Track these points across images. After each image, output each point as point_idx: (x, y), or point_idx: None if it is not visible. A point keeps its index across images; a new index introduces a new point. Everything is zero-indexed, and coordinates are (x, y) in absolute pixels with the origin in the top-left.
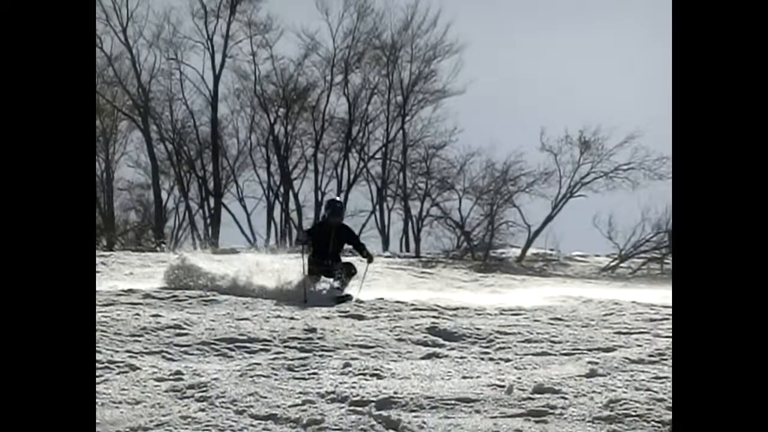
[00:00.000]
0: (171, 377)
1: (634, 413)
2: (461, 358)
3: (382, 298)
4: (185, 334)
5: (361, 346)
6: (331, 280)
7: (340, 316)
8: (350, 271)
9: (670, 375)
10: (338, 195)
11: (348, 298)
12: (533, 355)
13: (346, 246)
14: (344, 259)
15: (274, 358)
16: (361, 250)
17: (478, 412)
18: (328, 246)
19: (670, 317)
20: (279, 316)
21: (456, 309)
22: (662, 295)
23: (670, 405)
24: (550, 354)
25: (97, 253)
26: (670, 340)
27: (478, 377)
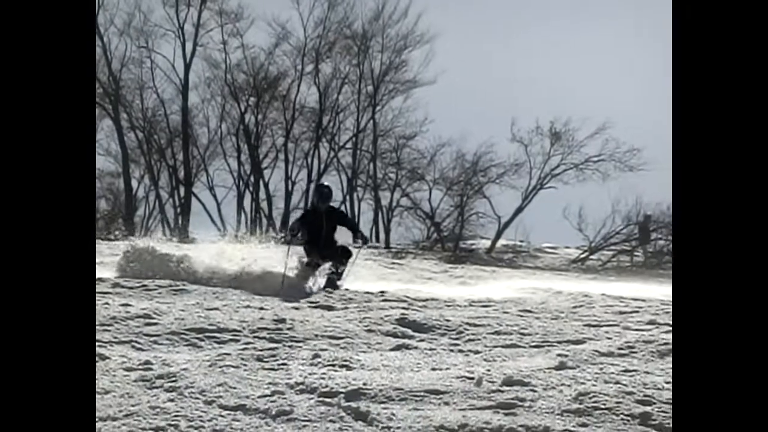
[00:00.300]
0: (140, 367)
1: (603, 406)
2: (430, 349)
3: (347, 289)
4: (155, 324)
5: (330, 337)
6: (329, 265)
7: (309, 307)
8: (346, 254)
9: (640, 368)
10: (324, 181)
11: (333, 285)
12: (503, 347)
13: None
14: (339, 242)
15: (243, 349)
16: (354, 231)
17: (447, 404)
18: (321, 231)
19: (640, 310)
20: (248, 306)
21: (425, 300)
22: (632, 287)
23: (640, 398)
24: (520, 346)
25: None
26: (640, 332)
27: (447, 369)
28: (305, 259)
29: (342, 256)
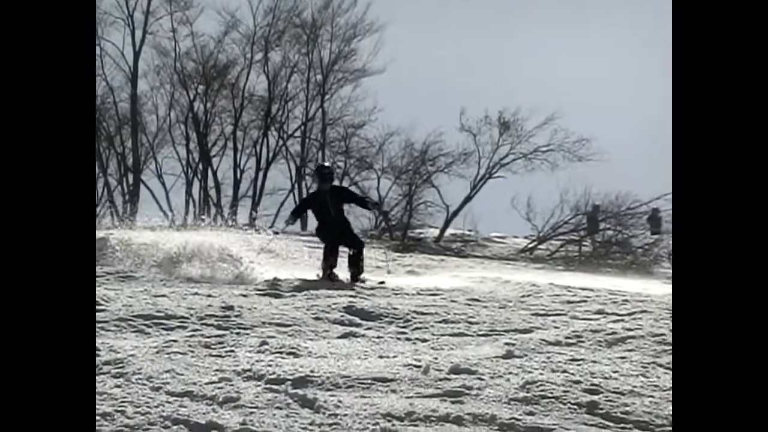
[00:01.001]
0: None
1: (550, 395)
2: (378, 337)
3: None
4: (102, 310)
5: (278, 325)
6: (348, 250)
7: (257, 294)
8: (359, 247)
9: (587, 357)
10: (325, 162)
11: (357, 277)
12: (450, 335)
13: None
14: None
15: (191, 335)
16: (365, 204)
17: (394, 391)
18: (330, 213)
19: (588, 299)
20: (196, 294)
21: (373, 288)
22: (580, 277)
23: (587, 387)
24: (467, 335)
25: None
26: (588, 322)
27: (394, 357)
28: (322, 271)
29: (356, 247)
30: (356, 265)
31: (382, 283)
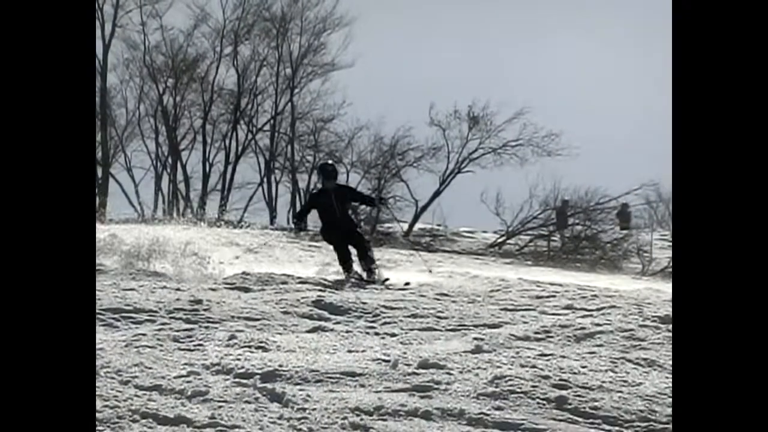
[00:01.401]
0: None
1: (519, 390)
2: (347, 332)
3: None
4: None
5: (246, 319)
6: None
7: (226, 288)
8: (366, 244)
9: (556, 352)
10: (328, 161)
11: (372, 276)
12: (419, 330)
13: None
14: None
15: (159, 329)
16: (371, 202)
17: (362, 386)
18: (335, 212)
19: (557, 294)
20: (165, 287)
21: (342, 282)
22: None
23: (555, 382)
24: (436, 329)
25: None
26: (557, 317)
27: (363, 351)
28: (342, 270)
29: (363, 247)
30: (368, 263)
31: (408, 284)
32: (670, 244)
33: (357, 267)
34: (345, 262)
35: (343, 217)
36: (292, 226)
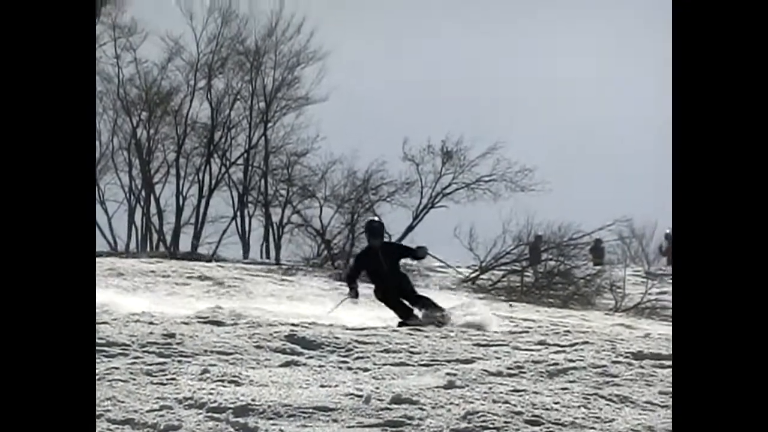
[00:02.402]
0: None
1: (491, 425)
2: (320, 366)
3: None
4: None
5: (219, 353)
6: (409, 304)
7: (199, 322)
8: (424, 299)
9: (528, 388)
10: (375, 216)
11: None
12: (391, 365)
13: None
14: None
15: (132, 363)
16: (414, 254)
17: (335, 421)
18: (382, 270)
19: (530, 330)
20: (138, 321)
21: (315, 316)
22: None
23: (528, 418)
24: (409, 364)
25: None
26: (530, 352)
27: (336, 386)
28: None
29: (429, 305)
30: (434, 310)
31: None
32: (643, 280)
33: (418, 313)
34: (405, 317)
35: (393, 274)
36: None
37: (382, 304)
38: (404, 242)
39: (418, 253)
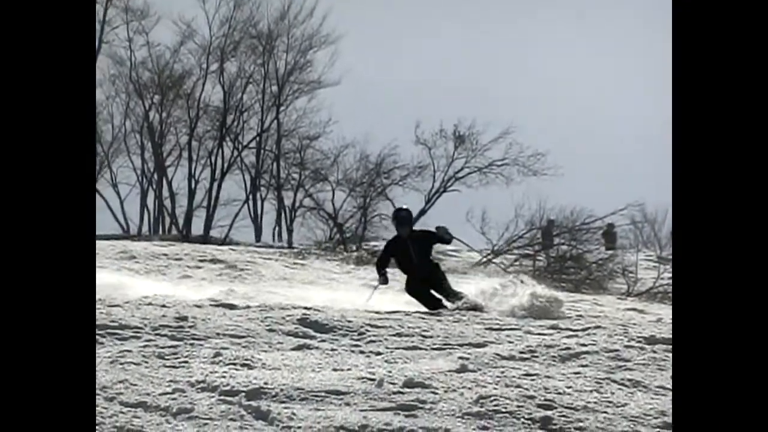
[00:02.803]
0: None
1: (504, 409)
2: (332, 350)
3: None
4: None
5: (232, 336)
6: (437, 294)
7: (211, 305)
8: (453, 295)
9: (541, 372)
10: (403, 206)
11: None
12: (404, 348)
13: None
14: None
15: (144, 346)
16: (442, 238)
17: (348, 404)
18: (411, 259)
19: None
20: (150, 304)
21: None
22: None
23: (541, 402)
24: (421, 348)
25: None
26: (542, 336)
27: (348, 370)
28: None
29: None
30: (457, 299)
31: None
32: (656, 264)
33: (447, 303)
34: (434, 308)
35: (422, 262)
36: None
37: (413, 299)
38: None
39: (445, 237)
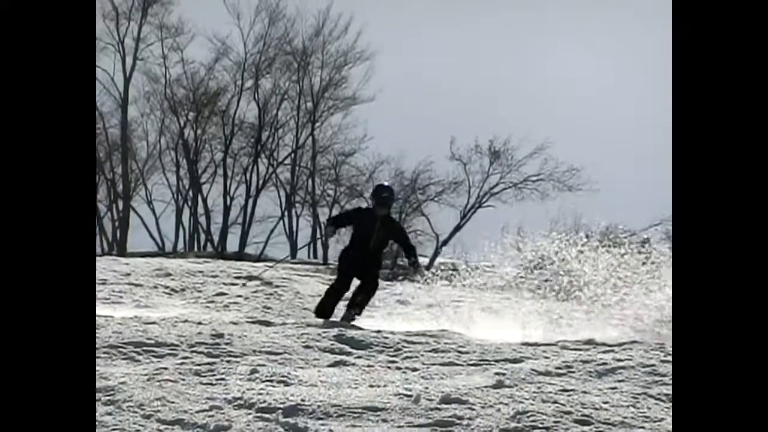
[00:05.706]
0: None
1: (541, 425)
2: (368, 366)
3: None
4: None
5: (268, 353)
6: (354, 290)
7: (247, 322)
8: (371, 291)
9: (577, 387)
10: (385, 182)
11: (352, 317)
12: (440, 364)
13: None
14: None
15: (181, 363)
16: (408, 252)
17: (385, 421)
18: (370, 240)
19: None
20: (186, 321)
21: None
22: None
23: (578, 417)
24: (458, 364)
25: None
26: (578, 352)
27: (385, 386)
28: (314, 311)
29: (367, 292)
30: (354, 311)
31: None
32: None
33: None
34: (324, 309)
35: (375, 248)
36: (325, 226)
37: (337, 272)
38: (451, 242)
39: (411, 252)
